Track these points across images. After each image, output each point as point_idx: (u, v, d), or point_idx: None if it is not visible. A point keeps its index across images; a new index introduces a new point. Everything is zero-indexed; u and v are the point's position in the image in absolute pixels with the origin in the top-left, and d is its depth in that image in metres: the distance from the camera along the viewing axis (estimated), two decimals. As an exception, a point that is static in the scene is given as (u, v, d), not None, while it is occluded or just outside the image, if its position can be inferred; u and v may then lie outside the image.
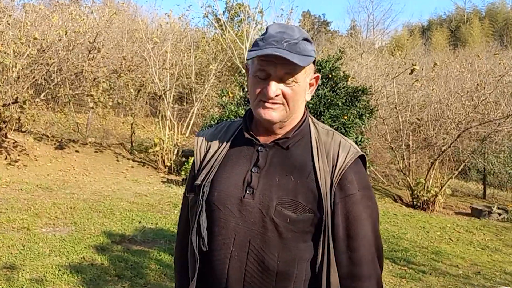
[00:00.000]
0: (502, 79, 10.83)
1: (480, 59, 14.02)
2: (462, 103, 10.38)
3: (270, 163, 1.28)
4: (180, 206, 5.60)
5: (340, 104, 7.91)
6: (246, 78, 7.44)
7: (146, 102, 12.40)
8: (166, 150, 8.94)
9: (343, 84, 8.53)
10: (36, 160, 8.26)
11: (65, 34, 7.95)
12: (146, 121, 12.08)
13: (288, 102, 1.26)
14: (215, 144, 1.37)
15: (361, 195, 1.27)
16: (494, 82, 10.91)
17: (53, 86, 8.39)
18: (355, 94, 8.39)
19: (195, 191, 1.33)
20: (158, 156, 9.00)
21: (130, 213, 6.01)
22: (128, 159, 9.40)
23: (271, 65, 1.22)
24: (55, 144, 9.17)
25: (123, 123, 11.29)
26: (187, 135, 10.15)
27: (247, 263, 1.23)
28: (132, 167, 8.89)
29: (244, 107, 8.49)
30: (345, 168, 1.26)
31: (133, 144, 10.01)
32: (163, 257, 4.57)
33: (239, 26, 17.51)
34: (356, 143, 8.02)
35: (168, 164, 8.86)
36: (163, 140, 9.00)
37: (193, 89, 11.46)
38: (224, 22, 13.90)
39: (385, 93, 10.68)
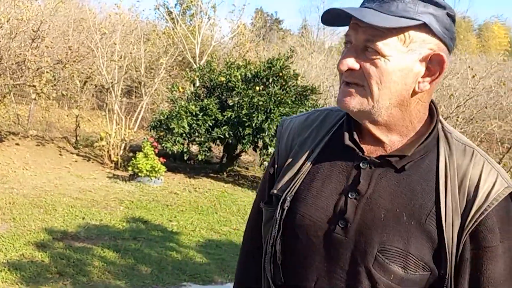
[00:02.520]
0: (443, 83, 11.39)
1: (423, 62, 14.67)
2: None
3: (375, 188, 0.92)
4: (126, 202, 5.49)
5: (290, 102, 8.10)
6: (197, 74, 7.34)
7: (93, 94, 12.03)
8: (113, 145, 8.73)
9: (293, 83, 8.74)
10: (-28, 152, 7.84)
11: (7, 21, 7.57)
12: (92, 114, 11.73)
13: (369, 85, 0.89)
14: (304, 141, 1.02)
15: (504, 248, 0.89)
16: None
17: (-8, 75, 7.99)
18: (304, 93, 8.61)
19: (271, 202, 1.01)
20: (104, 150, 8.77)
21: (73, 209, 5.84)
22: (72, 153, 9.10)
23: (353, 28, 0.90)
24: (-7, 136, 8.73)
25: (67, 116, 10.91)
26: (135, 129, 9.95)
27: None
28: (76, 161, 8.62)
29: (194, 102, 8.49)
30: (486, 211, 0.88)
31: (78, 138, 9.70)
32: (107, 254, 4.48)
33: (191, 20, 17.36)
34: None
35: (115, 159, 8.65)
36: (110, 135, 8.77)
37: (142, 83, 11.25)
38: (176, 16, 13.74)
39: (333, 93, 10.96)
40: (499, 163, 10.38)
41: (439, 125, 0.95)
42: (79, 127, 9.88)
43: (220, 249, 5.21)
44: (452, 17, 0.92)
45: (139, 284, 3.96)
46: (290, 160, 1.01)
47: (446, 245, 0.87)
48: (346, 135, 0.96)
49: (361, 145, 0.94)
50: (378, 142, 0.94)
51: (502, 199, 0.88)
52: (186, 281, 4.20)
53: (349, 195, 0.92)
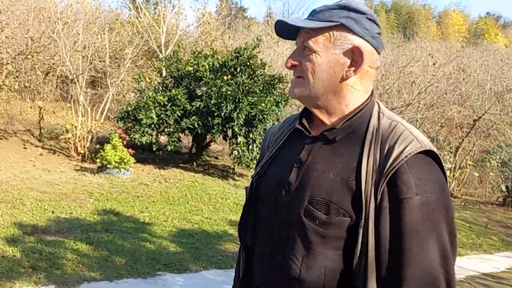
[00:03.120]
0: (404, 70, 11.73)
1: (385, 50, 15.00)
2: (369, 91, 11.07)
3: (313, 157, 1.14)
4: (96, 194, 5.48)
5: (257, 91, 8.18)
6: (164, 63, 7.34)
7: (57, 86, 11.75)
8: (79, 137, 8.59)
9: (260, 72, 8.81)
10: None
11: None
12: (56, 106, 11.45)
13: (306, 76, 1.13)
14: (277, 138, 1.28)
15: (421, 201, 1.03)
16: (397, 72, 11.78)
17: (-51, 67, 7.69)
18: (272, 82, 8.70)
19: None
20: (70, 143, 8.62)
21: (42, 203, 5.76)
22: (36, 146, 8.91)
23: (297, 36, 1.17)
24: (-48, 130, 8.43)
25: (30, 108, 10.62)
26: (101, 121, 9.80)
27: (275, 266, 1.14)
28: (42, 155, 8.45)
29: (162, 93, 8.44)
30: (398, 164, 1.04)
31: (42, 130, 9.49)
32: (80, 246, 4.48)
33: (155, 8, 17.10)
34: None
35: (82, 152, 8.53)
36: (75, 127, 8.63)
37: (108, 73, 11.06)
38: (139, 4, 13.52)
39: (300, 81, 11.09)
40: (458, 147, 10.83)
41: (376, 107, 1.16)
42: (43, 119, 9.65)
43: (193, 238, 5.28)
44: (372, 20, 1.15)
45: (114, 275, 3.99)
46: (266, 153, 1.29)
47: (364, 196, 1.04)
48: (297, 121, 1.22)
49: (310, 128, 1.19)
50: (322, 123, 1.17)
51: (414, 156, 1.04)
52: (161, 270, 4.25)
53: (294, 165, 1.16)
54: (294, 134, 1.22)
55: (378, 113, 1.15)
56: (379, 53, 1.18)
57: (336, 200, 1.07)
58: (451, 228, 1.06)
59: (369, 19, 1.14)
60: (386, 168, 1.04)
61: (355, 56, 1.12)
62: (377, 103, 1.18)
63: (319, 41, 1.12)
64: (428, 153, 1.07)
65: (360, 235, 1.04)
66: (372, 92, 1.18)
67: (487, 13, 36.94)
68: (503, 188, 10.21)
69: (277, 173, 1.19)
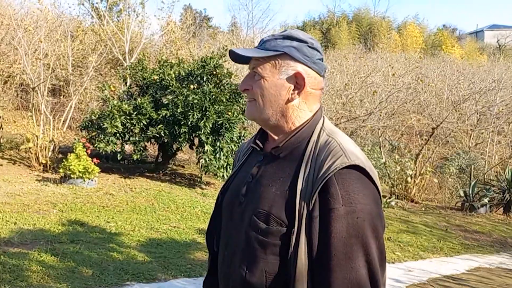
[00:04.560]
0: (366, 80, 12.07)
1: (348, 60, 15.40)
2: (332, 101, 11.34)
3: (262, 172, 1.27)
4: (59, 205, 5.39)
5: (224, 100, 8.22)
6: (128, 72, 7.30)
7: (17, 94, 11.41)
8: (40, 147, 8.37)
9: (227, 81, 8.87)
10: None
11: None
12: (16, 115, 11.12)
13: (257, 99, 1.26)
14: (244, 153, 1.41)
15: (346, 211, 1.12)
16: (359, 82, 12.11)
17: None
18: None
19: None
20: (31, 153, 8.38)
21: (4, 214, 5.58)
22: (-5, 156, 8.62)
23: (250, 62, 1.29)
24: None
25: (-11, 117, 10.25)
26: (64, 130, 9.58)
27: (231, 269, 1.26)
28: (1, 165, 8.18)
29: (127, 102, 8.35)
30: (326, 178, 1.14)
31: (2, 140, 9.19)
32: (45, 258, 4.37)
33: (118, 16, 16.90)
34: (239, 138, 8.40)
35: (44, 162, 8.31)
36: (37, 136, 8.40)
37: (70, 81, 10.84)
38: (102, 12, 13.34)
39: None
40: (418, 154, 11.21)
41: (320, 123, 1.27)
42: (2, 128, 9.35)
43: (161, 247, 5.24)
44: (313, 48, 1.26)
45: (81, 287, 3.91)
46: (233, 169, 1.44)
47: (297, 207, 1.15)
48: (253, 139, 1.35)
49: (264, 145, 1.31)
50: (273, 141, 1.30)
51: (342, 170, 1.14)
52: (129, 280, 4.20)
53: (247, 180, 1.29)
54: (253, 151, 1.35)
55: (320, 129, 1.25)
56: (322, 76, 1.29)
57: (274, 212, 1.18)
58: (377, 234, 1.15)
59: (310, 47, 1.26)
60: (317, 180, 1.15)
61: (298, 81, 1.24)
62: (324, 118, 1.29)
63: (267, 67, 1.24)
64: (356, 167, 1.16)
65: (293, 241, 1.14)
66: (318, 110, 1.29)
67: (443, 25, 38.55)
68: (461, 193, 10.62)
69: (235, 187, 1.32)
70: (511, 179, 10.19)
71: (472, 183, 10.44)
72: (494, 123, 12.64)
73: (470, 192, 10.28)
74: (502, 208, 10.39)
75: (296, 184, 1.17)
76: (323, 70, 1.28)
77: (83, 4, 14.86)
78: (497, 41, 34.91)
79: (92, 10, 14.69)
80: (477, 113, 12.55)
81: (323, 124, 1.27)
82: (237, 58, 1.29)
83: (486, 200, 10.11)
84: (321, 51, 1.29)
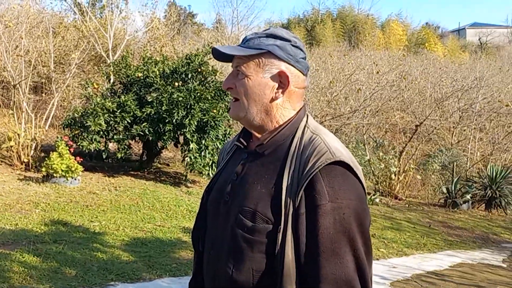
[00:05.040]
0: (351, 78, 12.13)
1: (332, 58, 15.46)
2: (317, 98, 11.37)
3: (246, 170, 1.26)
4: (42, 204, 5.33)
5: (209, 98, 8.18)
6: (112, 69, 7.23)
7: (-3, 92, 11.19)
8: (22, 145, 8.22)
9: (212, 79, 8.82)
10: None
11: None
12: (-4, 113, 10.90)
13: (241, 98, 1.26)
14: (227, 152, 1.41)
15: (332, 207, 1.13)
16: (344, 79, 12.16)
17: None
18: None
19: None
20: (13, 151, 8.22)
21: (-16, 214, 5.48)
22: (-24, 155, 8.45)
23: (233, 60, 1.28)
24: None
25: (-32, 115, 10.05)
26: (46, 128, 9.43)
27: (217, 268, 1.26)
28: (-18, 164, 8.03)
29: (111, 99, 8.25)
30: (311, 175, 1.15)
31: (-18, 138, 9.01)
32: (27, 258, 4.30)
33: (101, 13, 16.68)
34: (224, 135, 8.37)
35: (25, 160, 8.16)
36: (18, 134, 8.25)
37: (52, 78, 10.66)
38: (85, 8, 13.15)
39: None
40: (402, 151, 11.31)
41: (304, 121, 1.27)
42: (-18, 127, 9.17)
43: (146, 246, 5.20)
44: (296, 46, 1.26)
45: (65, 287, 3.87)
46: (218, 168, 1.43)
47: (283, 204, 1.15)
48: (237, 138, 1.35)
49: (248, 143, 1.31)
50: (257, 139, 1.29)
51: (327, 166, 1.15)
52: (114, 280, 4.16)
53: (232, 178, 1.28)
54: (237, 150, 1.35)
55: (304, 127, 1.26)
56: (305, 75, 1.29)
57: (260, 209, 1.18)
58: (363, 229, 1.16)
59: (293, 46, 1.26)
60: (302, 177, 1.15)
61: (282, 79, 1.24)
62: (307, 116, 1.29)
63: (250, 66, 1.24)
64: (341, 163, 1.17)
65: (280, 238, 1.15)
66: (302, 108, 1.30)
67: (426, 23, 38.85)
68: (444, 190, 10.76)
69: (220, 186, 1.32)
70: (493, 176, 10.37)
71: (455, 180, 10.59)
72: (476, 120, 12.82)
73: (453, 188, 10.43)
74: (484, 205, 10.57)
75: (281, 181, 1.17)
76: (306, 68, 1.29)
77: (65, 0, 14.66)
78: (479, 39, 35.47)
79: (74, 6, 14.50)
80: (460, 111, 12.71)
81: (307, 121, 1.27)
82: (220, 56, 1.28)
83: (468, 196, 10.27)
84: (304, 50, 1.29)
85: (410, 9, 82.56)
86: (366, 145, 11.58)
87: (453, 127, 13.33)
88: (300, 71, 1.27)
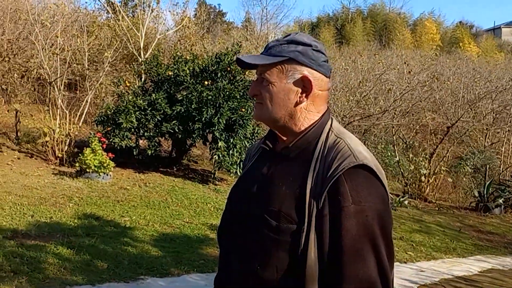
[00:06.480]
0: (381, 77, 11.99)
1: (362, 57, 15.30)
2: (346, 98, 11.29)
3: (272, 172, 1.31)
4: (75, 198, 5.47)
5: (238, 96, 8.25)
6: (143, 67, 7.37)
7: (34, 88, 11.57)
8: (57, 141, 8.49)
9: (241, 77, 8.88)
10: None
11: None
12: (33, 109, 11.26)
13: (266, 103, 1.30)
14: (254, 153, 1.46)
15: (356, 209, 1.16)
16: (374, 79, 12.03)
17: None
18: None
19: None
20: (48, 147, 8.50)
21: (21, 207, 5.69)
22: (13, 150, 8.76)
23: (257, 68, 1.34)
24: None
25: (8, 111, 10.43)
26: (80, 124, 9.70)
27: (242, 265, 1.29)
28: (19, 158, 8.32)
29: (142, 97, 8.43)
30: (334, 177, 1.18)
31: (19, 134, 9.34)
32: (61, 251, 4.46)
33: (133, 12, 17.00)
34: (252, 134, 8.42)
35: (60, 156, 8.42)
36: (53, 130, 8.52)
37: (86, 76, 10.95)
38: (118, 7, 13.42)
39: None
40: (433, 153, 11.12)
41: (328, 124, 1.31)
42: (20, 122, 9.50)
43: (174, 242, 5.30)
44: (317, 50, 1.30)
45: (96, 280, 3.99)
46: (244, 168, 1.46)
47: (307, 205, 1.19)
48: (263, 140, 1.39)
49: (274, 145, 1.35)
50: (283, 142, 1.33)
51: (351, 169, 1.18)
52: (143, 274, 4.26)
53: (258, 178, 1.32)
54: (263, 152, 1.39)
55: (329, 130, 1.30)
56: (328, 77, 1.32)
57: (285, 210, 1.21)
58: (386, 232, 1.19)
59: (315, 50, 1.30)
60: (326, 179, 1.19)
61: (305, 83, 1.28)
62: (332, 119, 1.33)
63: (274, 73, 1.28)
64: (364, 167, 1.20)
65: (303, 239, 1.18)
66: (326, 111, 1.34)
67: (460, 22, 37.89)
68: (476, 194, 10.52)
69: (246, 186, 1.35)
70: (527, 180, 10.07)
71: (487, 183, 10.34)
72: (510, 122, 12.47)
73: (485, 192, 10.18)
74: (517, 209, 10.28)
75: (305, 183, 1.21)
76: (329, 71, 1.32)
77: (98, -1, 14.98)
78: (515, 39, 34.35)
79: (107, 5, 14.82)
80: (493, 112, 12.38)
81: (331, 125, 1.31)
82: (244, 65, 1.33)
83: (500, 200, 10.01)
84: (325, 53, 1.33)
85: (443, 8, 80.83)
86: (395, 146, 11.43)
87: (486, 129, 12.99)
88: (322, 74, 1.30)
